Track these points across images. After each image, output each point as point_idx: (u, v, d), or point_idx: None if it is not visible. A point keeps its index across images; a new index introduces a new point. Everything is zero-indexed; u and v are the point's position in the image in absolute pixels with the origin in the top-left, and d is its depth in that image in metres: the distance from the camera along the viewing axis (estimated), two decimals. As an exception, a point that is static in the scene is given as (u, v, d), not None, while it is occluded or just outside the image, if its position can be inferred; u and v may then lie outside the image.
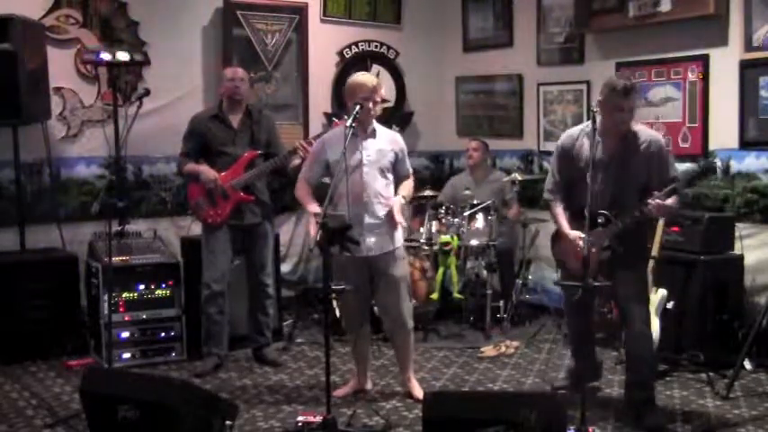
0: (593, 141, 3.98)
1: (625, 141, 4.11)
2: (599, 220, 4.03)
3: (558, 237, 4.39)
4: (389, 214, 4.37)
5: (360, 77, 4.46)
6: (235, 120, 5.12)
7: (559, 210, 4.32)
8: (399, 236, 4.51)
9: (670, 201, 3.99)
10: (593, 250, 3.96)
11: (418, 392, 4.45)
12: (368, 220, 4.36)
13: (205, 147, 5.10)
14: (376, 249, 4.38)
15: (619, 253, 4.08)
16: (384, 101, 4.66)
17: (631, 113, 4.08)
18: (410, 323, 4.55)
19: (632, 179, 4.11)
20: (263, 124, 5.21)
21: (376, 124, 4.49)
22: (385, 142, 4.47)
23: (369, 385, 4.69)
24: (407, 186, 4.58)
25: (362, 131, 4.40)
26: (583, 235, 3.94)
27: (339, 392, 4.56)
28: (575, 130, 4.34)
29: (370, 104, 4.33)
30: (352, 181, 4.32)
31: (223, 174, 5.02)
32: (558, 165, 4.33)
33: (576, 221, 4.17)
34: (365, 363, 4.70)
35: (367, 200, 4.36)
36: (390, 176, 4.48)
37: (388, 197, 4.44)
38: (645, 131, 4.18)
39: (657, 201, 3.91)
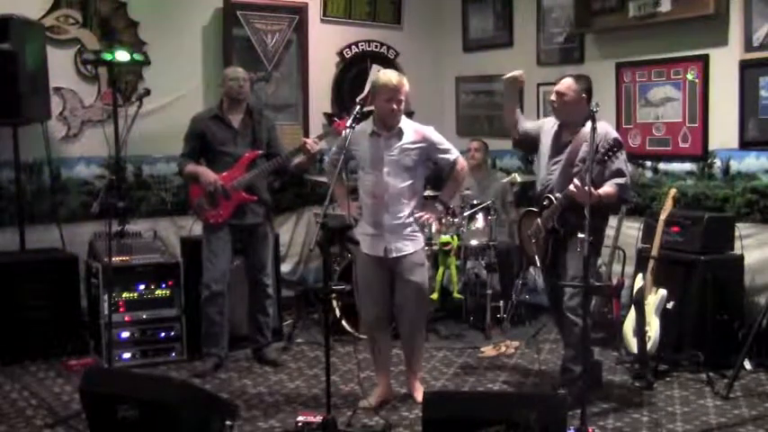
0: (593, 139, 4.01)
1: (578, 134, 4.26)
2: (544, 203, 4.38)
3: (520, 223, 4.70)
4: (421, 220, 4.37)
5: (382, 77, 4.33)
6: (235, 120, 5.12)
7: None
8: (420, 240, 4.41)
9: (605, 189, 4.18)
10: (542, 235, 4.39)
11: (418, 395, 4.40)
12: (387, 221, 4.30)
13: (206, 147, 5.10)
14: (395, 251, 4.31)
15: (562, 234, 4.26)
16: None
17: (562, 98, 4.32)
18: (423, 328, 4.54)
19: (581, 167, 4.21)
20: (264, 124, 5.21)
21: (404, 123, 4.38)
22: (410, 139, 4.35)
23: (390, 395, 4.54)
24: (451, 182, 4.52)
25: (386, 131, 4.32)
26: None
27: (368, 402, 4.35)
28: (552, 121, 4.62)
29: (393, 105, 4.25)
30: (374, 181, 4.30)
31: (225, 174, 5.02)
32: (534, 126, 4.67)
33: (535, 206, 4.55)
34: (387, 369, 4.58)
35: (388, 200, 4.30)
36: (417, 173, 4.37)
37: (412, 198, 4.35)
38: (602, 127, 4.32)
39: (576, 184, 4.04)
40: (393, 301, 4.45)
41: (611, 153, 4.11)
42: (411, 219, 4.35)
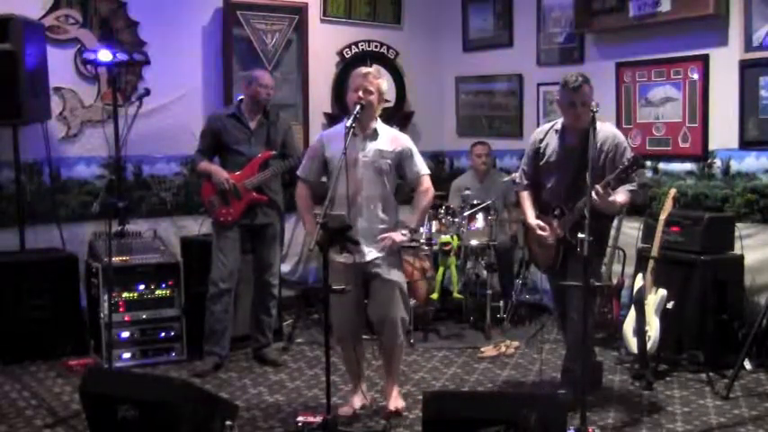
0: (593, 139, 3.99)
1: (585, 137, 4.15)
2: (555, 212, 4.31)
3: (525, 227, 4.64)
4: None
5: (356, 70, 4.32)
6: (252, 120, 5.14)
7: (525, 198, 4.54)
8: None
9: (620, 197, 4.10)
10: (550, 242, 4.34)
11: (393, 404, 4.33)
12: (362, 224, 4.17)
13: (220, 145, 5.12)
14: (369, 255, 4.19)
15: (573, 244, 4.09)
16: (385, 101, 4.40)
17: (585, 107, 4.15)
18: (401, 332, 4.29)
19: (599, 170, 4.11)
20: (280, 126, 5.23)
21: (380, 125, 4.28)
22: (386, 143, 4.24)
23: (367, 401, 4.42)
24: (419, 209, 4.30)
25: (362, 130, 4.21)
26: (541, 223, 4.35)
27: (343, 411, 4.31)
28: (545, 127, 4.55)
29: (359, 93, 4.12)
30: (348, 183, 4.13)
31: (237, 173, 5.04)
32: (528, 159, 4.56)
33: (542, 213, 4.45)
34: (361, 378, 4.44)
35: (362, 203, 4.18)
36: (389, 179, 4.24)
37: (386, 204, 4.23)
38: (605, 129, 4.25)
39: (599, 193, 3.93)
40: (368, 306, 4.30)
41: (630, 171, 3.96)
42: (385, 224, 4.23)
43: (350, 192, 4.15)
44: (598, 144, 4.20)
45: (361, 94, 4.15)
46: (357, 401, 4.39)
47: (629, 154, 4.18)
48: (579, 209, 4.12)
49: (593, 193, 3.94)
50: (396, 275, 4.27)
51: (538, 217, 4.46)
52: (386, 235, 4.20)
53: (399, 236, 4.22)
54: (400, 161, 4.27)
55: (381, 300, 4.25)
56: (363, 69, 4.31)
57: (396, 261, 4.32)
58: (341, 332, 4.33)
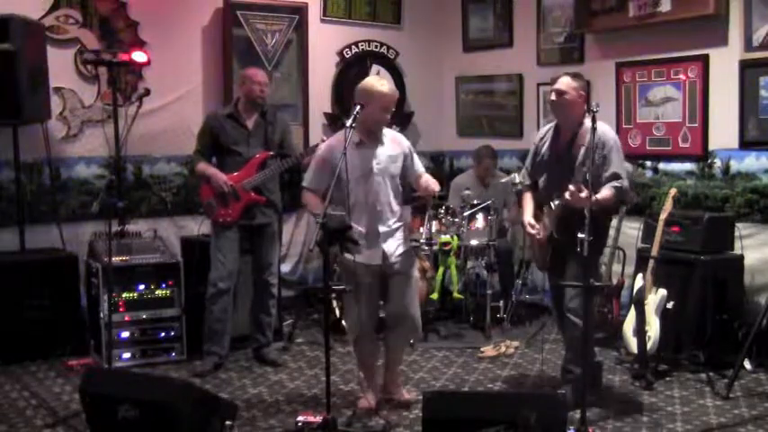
0: (592, 139, 3.97)
1: (578, 136, 4.20)
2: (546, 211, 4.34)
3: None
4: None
5: (380, 86, 4.24)
6: (250, 120, 5.13)
7: (526, 198, 4.59)
8: (408, 237, 4.46)
9: (602, 194, 4.08)
10: (540, 236, 4.39)
11: (406, 394, 4.46)
12: (381, 228, 4.27)
13: (217, 145, 5.11)
14: (391, 256, 4.29)
15: (563, 241, 4.17)
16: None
17: (562, 96, 4.23)
18: (419, 326, 4.48)
19: (581, 171, 4.10)
20: (278, 125, 5.22)
21: (384, 130, 4.37)
22: (391, 147, 4.34)
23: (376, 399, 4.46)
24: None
25: (373, 140, 4.29)
26: (532, 221, 4.43)
27: (362, 404, 4.37)
28: (547, 126, 4.58)
29: (388, 115, 4.26)
30: (365, 190, 4.24)
31: (236, 174, 5.03)
32: (529, 157, 4.62)
33: (540, 211, 4.48)
34: (375, 377, 4.51)
35: (380, 208, 4.27)
36: (396, 179, 4.34)
37: (400, 203, 4.36)
38: (599, 128, 4.16)
39: (572, 191, 3.94)
40: (389, 302, 4.37)
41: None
42: (401, 223, 4.37)
43: (369, 199, 4.26)
44: (585, 142, 4.17)
45: (388, 116, 4.28)
46: (372, 398, 4.41)
47: (614, 156, 4.19)
48: (557, 206, 4.21)
49: (566, 193, 3.98)
50: (415, 272, 4.44)
51: (534, 216, 4.51)
52: (425, 181, 4.32)
53: (435, 184, 4.33)
54: (404, 162, 4.39)
55: (402, 296, 4.33)
56: (393, 90, 4.32)
57: (412, 259, 4.46)
58: (361, 330, 4.36)
